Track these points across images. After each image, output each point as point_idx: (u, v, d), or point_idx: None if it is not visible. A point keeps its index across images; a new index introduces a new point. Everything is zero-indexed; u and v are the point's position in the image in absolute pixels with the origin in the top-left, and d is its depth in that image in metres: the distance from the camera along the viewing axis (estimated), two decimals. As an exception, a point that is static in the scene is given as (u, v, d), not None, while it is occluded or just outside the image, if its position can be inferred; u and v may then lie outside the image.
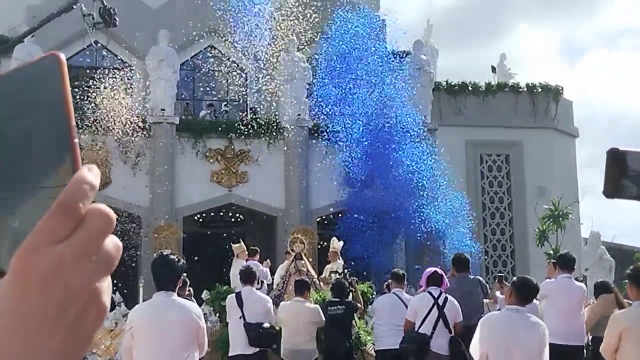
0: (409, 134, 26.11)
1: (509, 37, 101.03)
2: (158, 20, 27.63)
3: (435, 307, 10.69)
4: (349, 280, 14.93)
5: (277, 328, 11.92)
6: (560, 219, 26.51)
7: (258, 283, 13.26)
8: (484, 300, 12.71)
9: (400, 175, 25.63)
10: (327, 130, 25.92)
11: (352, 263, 21.39)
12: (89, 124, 23.17)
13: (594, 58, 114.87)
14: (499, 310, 11.29)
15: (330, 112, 26.05)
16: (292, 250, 17.37)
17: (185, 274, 7.67)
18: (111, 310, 17.98)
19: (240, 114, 28.71)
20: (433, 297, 10.79)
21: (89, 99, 23.71)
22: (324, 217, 26.34)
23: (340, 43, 26.61)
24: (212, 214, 26.78)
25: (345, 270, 17.53)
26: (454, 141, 28.10)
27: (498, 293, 14.61)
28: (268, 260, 20.10)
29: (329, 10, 26.99)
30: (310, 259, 20.10)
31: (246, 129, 26.24)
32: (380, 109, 26.35)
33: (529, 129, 30.46)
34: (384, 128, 26.11)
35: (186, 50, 29.14)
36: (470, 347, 7.56)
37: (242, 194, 26.39)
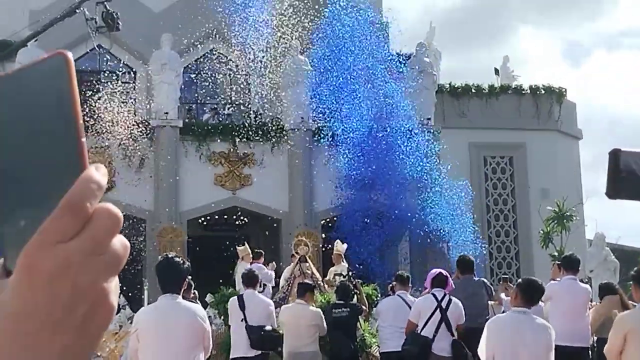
0: (412, 136, 26.11)
1: (511, 39, 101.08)
2: (161, 24, 27.65)
3: (438, 309, 10.69)
4: (354, 283, 14.93)
5: (279, 331, 11.91)
6: (565, 220, 26.48)
7: (260, 286, 13.27)
8: (489, 302, 12.70)
9: (404, 178, 25.63)
10: (330, 133, 25.91)
11: (357, 265, 21.39)
12: (93, 128, 23.19)
13: (596, 59, 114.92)
14: (503, 312, 11.29)
15: (333, 115, 26.04)
16: (297, 253, 17.37)
17: (190, 277, 7.67)
18: (116, 313, 18.02)
19: (244, 117, 28.72)
20: (436, 299, 10.78)
21: (92, 103, 23.73)
22: (328, 220, 26.33)
23: (341, 45, 26.62)
24: (216, 216, 26.79)
25: (350, 273, 17.53)
26: (457, 143, 28.08)
27: (503, 295, 14.60)
28: (273, 262, 20.09)
29: (330, 12, 26.96)
30: (315, 262, 20.09)
31: (250, 132, 26.27)
32: (383, 111, 26.35)
33: (532, 131, 30.43)
34: (387, 130, 26.12)
35: (189, 53, 29.17)
36: (477, 350, 7.55)
37: (246, 196, 26.41)
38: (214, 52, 29.68)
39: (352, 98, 26.20)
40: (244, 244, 19.29)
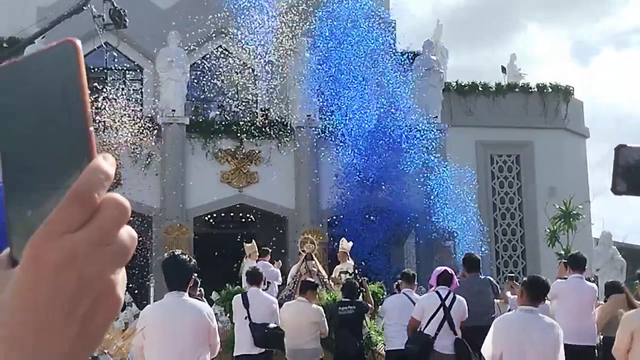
0: (420, 135, 26.10)
1: (519, 37, 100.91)
2: (168, 21, 27.66)
3: (442, 308, 10.69)
4: (360, 281, 14.92)
5: (283, 329, 11.93)
6: (571, 219, 26.44)
7: (264, 284, 13.28)
8: (495, 301, 12.69)
9: (410, 176, 25.63)
10: (337, 131, 25.92)
11: (362, 263, 21.38)
12: (99, 125, 23.21)
13: (604, 58, 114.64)
14: (509, 310, 11.27)
15: (339, 113, 26.05)
16: (303, 250, 17.38)
17: (196, 274, 7.67)
18: (122, 310, 18.05)
19: (251, 114, 28.73)
20: (440, 297, 10.78)
21: (100, 99, 23.75)
22: (334, 218, 26.33)
23: (348, 43, 26.62)
24: (223, 214, 26.81)
25: (356, 271, 17.52)
26: (464, 141, 28.08)
27: (509, 293, 14.57)
28: (279, 261, 20.09)
29: (336, 10, 26.95)
30: (321, 260, 20.08)
31: (256, 130, 26.29)
32: (389, 109, 26.35)
33: (539, 129, 30.39)
34: (394, 128, 26.11)
35: (196, 51, 29.17)
36: (482, 348, 7.54)
37: (252, 194, 26.43)
38: (221, 50, 29.68)
39: (358, 96, 26.19)
40: (251, 241, 19.29)
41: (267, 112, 28.02)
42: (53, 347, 0.76)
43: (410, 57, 28.24)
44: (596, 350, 11.75)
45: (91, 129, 0.79)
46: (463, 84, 30.88)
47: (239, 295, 12.11)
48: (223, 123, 27.13)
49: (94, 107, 23.01)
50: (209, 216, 26.42)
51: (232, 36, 27.78)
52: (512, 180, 30.65)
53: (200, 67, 29.60)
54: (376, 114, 26.24)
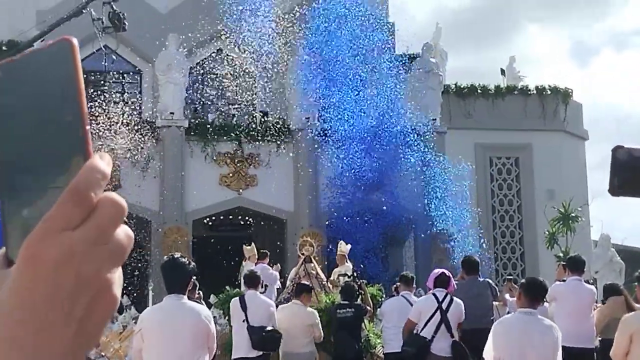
0: (419, 137, 26.11)
1: (518, 39, 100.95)
2: (167, 24, 27.68)
3: (439, 310, 10.69)
4: (359, 283, 14.92)
5: (280, 332, 11.92)
6: (570, 221, 26.45)
7: (262, 287, 13.28)
8: (494, 303, 12.69)
9: (410, 178, 25.63)
10: (336, 133, 25.92)
11: (361, 266, 21.37)
12: (99, 128, 23.22)
13: (604, 59, 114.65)
14: (508, 312, 11.27)
15: (337, 115, 26.06)
16: (302, 253, 17.37)
17: (194, 277, 7.67)
18: (120, 313, 18.01)
19: (249, 117, 28.73)
20: (437, 299, 10.78)
21: (99, 102, 23.76)
22: (333, 220, 26.34)
23: (346, 46, 26.63)
24: (222, 217, 26.82)
25: (355, 273, 17.52)
26: (463, 144, 28.09)
27: (507, 295, 14.58)
28: (278, 264, 20.09)
29: (336, 13, 26.98)
30: (320, 262, 20.07)
31: (255, 133, 26.29)
32: (388, 112, 26.36)
33: (538, 131, 30.40)
34: (393, 131, 26.12)
35: (195, 54, 29.19)
36: (483, 352, 7.54)
37: (251, 197, 26.44)
38: (220, 53, 29.70)
39: (357, 98, 26.20)
40: (250, 244, 19.28)
41: (265, 114, 28.04)
42: (53, 347, 0.76)
43: (409, 59, 28.25)
44: (595, 353, 11.75)
45: (87, 127, 0.79)
46: (462, 87, 30.90)
47: (237, 298, 12.10)
48: (222, 126, 27.12)
49: (92, 110, 23.01)
50: (208, 219, 26.43)
51: (230, 39, 27.79)
52: (511, 182, 30.66)
53: (199, 70, 29.61)
54: (375, 117, 26.24)
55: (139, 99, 29.59)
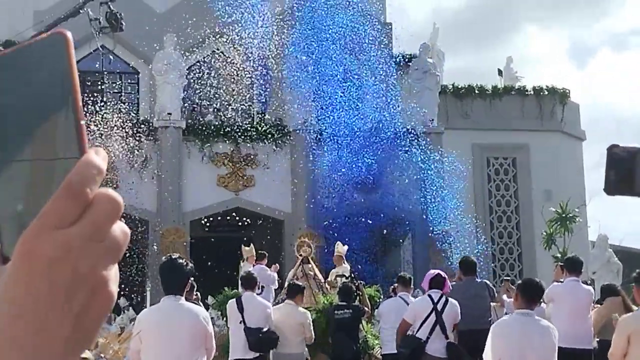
0: (416, 137, 26.13)
1: (517, 39, 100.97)
2: (164, 24, 27.67)
3: (434, 311, 10.70)
4: (356, 284, 14.91)
5: (277, 333, 11.92)
6: (568, 222, 26.47)
7: (259, 288, 13.29)
8: (491, 304, 12.69)
9: (407, 179, 25.64)
10: (333, 134, 25.93)
11: (359, 267, 21.37)
12: (96, 128, 23.21)
13: (602, 59, 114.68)
14: (506, 313, 11.28)
15: (334, 116, 26.07)
16: (300, 254, 17.36)
17: (192, 278, 7.66)
18: (118, 314, 18.01)
19: (247, 118, 28.73)
20: (432, 300, 10.79)
21: (96, 103, 23.74)
22: (331, 221, 26.34)
23: (343, 46, 26.65)
24: (219, 218, 26.80)
25: (352, 274, 17.52)
26: (460, 144, 28.09)
27: (505, 296, 14.59)
28: (276, 264, 20.08)
29: (334, 14, 26.99)
30: (317, 263, 20.07)
31: (253, 133, 26.29)
32: (386, 112, 26.38)
33: (535, 132, 30.43)
34: (390, 131, 26.14)
35: (192, 54, 29.18)
36: (483, 355, 7.53)
37: (249, 197, 26.43)
38: (217, 53, 29.69)
39: (354, 99, 26.21)
40: (249, 245, 19.28)
41: (263, 115, 28.02)
42: (52, 346, 0.76)
43: (406, 60, 28.25)
44: (592, 354, 11.74)
45: (82, 122, 0.78)
46: (459, 87, 30.93)
47: (234, 299, 12.12)
48: (219, 126, 27.11)
49: (90, 111, 22.99)
50: (206, 220, 26.42)
51: (228, 39, 27.79)
52: (509, 183, 30.68)
53: (197, 70, 29.60)
54: (372, 117, 26.26)
55: (136, 99, 29.60)
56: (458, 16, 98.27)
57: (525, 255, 29.97)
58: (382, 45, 27.50)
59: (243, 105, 29.34)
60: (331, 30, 26.90)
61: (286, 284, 16.95)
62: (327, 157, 26.12)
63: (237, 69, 28.43)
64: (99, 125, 23.46)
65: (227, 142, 26.47)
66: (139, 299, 21.40)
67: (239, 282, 17.97)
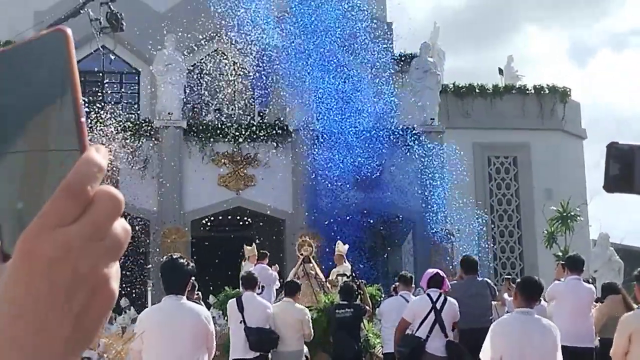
0: (417, 137, 26.14)
1: (517, 39, 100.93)
2: (165, 24, 27.67)
3: (433, 310, 10.71)
4: (357, 283, 14.92)
5: (277, 333, 11.92)
6: (569, 220, 26.45)
7: (259, 288, 13.29)
8: (492, 303, 12.69)
9: (408, 178, 25.64)
10: (334, 133, 25.93)
11: (361, 266, 21.38)
12: (97, 128, 23.22)
13: (602, 59, 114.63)
14: (507, 312, 11.27)
15: (337, 115, 26.07)
16: (301, 253, 17.37)
17: (193, 278, 7.66)
18: (119, 314, 18.01)
19: (248, 117, 28.74)
20: (431, 299, 10.80)
21: (97, 103, 23.74)
22: (331, 220, 26.35)
23: (346, 46, 26.66)
24: (220, 217, 26.81)
25: (353, 273, 17.53)
26: (461, 143, 28.07)
27: (506, 295, 14.59)
28: (276, 265, 20.09)
29: (335, 14, 26.99)
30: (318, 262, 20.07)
31: (254, 133, 26.29)
32: (387, 112, 26.38)
33: (536, 130, 30.42)
34: (391, 131, 26.15)
35: (193, 54, 29.19)
36: (480, 353, 7.53)
37: (249, 197, 26.43)
38: (218, 53, 29.70)
39: (355, 98, 26.21)
40: (251, 244, 19.29)
41: (264, 114, 28.01)
42: (52, 346, 0.75)
43: (407, 59, 28.25)
44: (594, 353, 11.74)
45: (83, 119, 0.78)
46: (460, 86, 30.93)
47: (234, 299, 12.12)
48: (220, 126, 27.11)
49: (90, 110, 23.00)
50: (207, 219, 26.42)
51: (228, 39, 27.79)
52: (510, 182, 30.67)
53: (197, 70, 29.61)
54: (373, 117, 26.25)
55: (137, 99, 29.60)
56: (458, 15, 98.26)
57: (527, 254, 29.97)
58: (382, 45, 27.50)
59: (244, 104, 29.36)
60: (332, 29, 26.90)
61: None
62: (327, 156, 26.11)
63: (237, 69, 28.44)
64: (100, 125, 23.45)
65: (228, 141, 26.46)
66: (140, 299, 21.38)
67: (240, 281, 18.04)
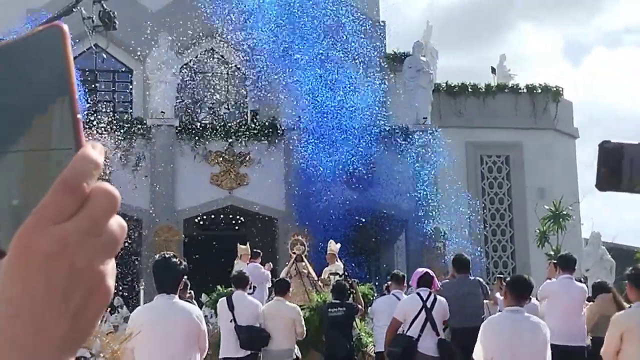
0: (409, 135, 26.16)
1: (512, 38, 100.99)
2: (158, 23, 27.64)
3: (424, 309, 10.73)
4: (350, 282, 14.93)
5: (268, 331, 11.92)
6: (561, 219, 26.49)
7: (250, 288, 13.30)
8: (485, 302, 12.71)
9: (401, 177, 25.66)
10: (327, 132, 25.93)
11: (353, 265, 21.38)
12: (89, 127, 23.18)
13: (597, 57, 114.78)
14: (499, 311, 11.30)
15: (329, 114, 26.07)
16: (293, 252, 17.37)
17: (186, 277, 7.66)
18: (112, 313, 17.97)
19: (240, 116, 28.72)
20: (422, 298, 10.82)
21: (89, 101, 23.70)
22: (324, 219, 26.34)
23: (338, 45, 26.67)
24: (213, 216, 26.78)
25: (346, 272, 17.54)
26: (454, 142, 28.09)
27: (498, 294, 14.61)
28: (270, 263, 20.10)
29: (326, 12, 27.00)
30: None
31: (246, 132, 26.27)
32: (380, 111, 26.40)
33: (529, 130, 30.47)
34: (384, 130, 26.17)
35: (186, 53, 29.16)
36: (473, 353, 7.54)
37: (242, 196, 26.41)
38: (211, 52, 29.67)
39: (348, 97, 26.22)
40: (245, 244, 19.29)
41: (256, 113, 27.99)
42: (51, 345, 0.75)
43: (400, 58, 28.27)
44: (586, 352, 11.77)
45: (79, 116, 0.78)
46: (453, 85, 30.95)
47: (224, 298, 12.13)
48: (213, 125, 27.09)
49: (83, 109, 22.96)
50: (199, 218, 26.40)
51: (221, 38, 27.76)
52: (502, 180, 30.71)
53: (190, 69, 29.58)
54: (366, 116, 26.26)
55: (130, 98, 29.56)
56: (451, 14, 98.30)
57: (519, 253, 30.01)
58: (375, 44, 27.52)
59: (236, 103, 29.34)
60: (325, 29, 26.90)
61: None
62: (320, 155, 26.10)
63: (230, 68, 28.42)
64: (92, 124, 23.42)
65: (221, 140, 26.45)
66: (132, 298, 21.35)
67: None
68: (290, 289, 12.81)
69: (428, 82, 28.19)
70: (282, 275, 17.09)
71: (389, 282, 15.16)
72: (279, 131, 26.52)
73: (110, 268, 0.79)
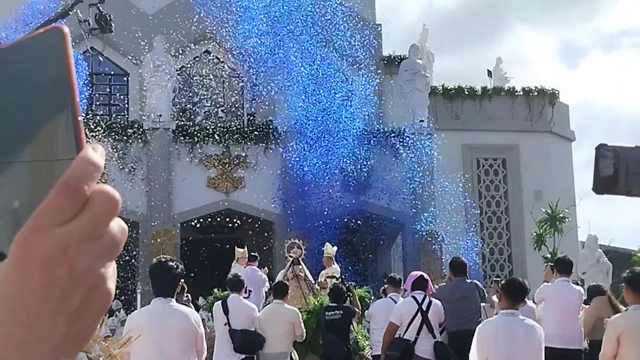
0: (406, 138, 26.18)
1: (508, 40, 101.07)
2: (154, 26, 27.64)
3: (420, 312, 10.74)
4: (347, 285, 14.92)
5: (263, 335, 11.90)
6: (557, 222, 26.51)
7: (245, 292, 13.29)
8: (481, 305, 12.71)
9: (397, 180, 25.67)
10: (323, 135, 25.94)
11: (350, 268, 21.39)
12: (85, 130, 23.15)
13: (594, 59, 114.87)
14: (496, 314, 11.30)
15: (326, 117, 26.08)
16: (290, 255, 17.35)
17: (183, 280, 7.66)
18: (109, 316, 17.96)
19: (237, 119, 28.72)
20: (417, 301, 10.83)
21: (85, 105, 23.68)
22: (320, 222, 26.35)
23: (334, 47, 26.69)
24: (209, 219, 26.77)
25: (342, 275, 17.53)
26: (450, 145, 28.12)
27: (495, 297, 14.60)
28: (265, 268, 20.08)
29: (323, 15, 27.03)
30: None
31: (243, 135, 26.27)
32: (376, 114, 26.42)
33: (525, 132, 30.50)
34: (381, 132, 26.19)
35: (182, 56, 29.16)
36: (469, 356, 7.54)
37: (239, 199, 26.40)
38: (207, 55, 29.68)
39: (344, 100, 26.24)
40: (243, 247, 19.28)
41: (253, 116, 27.99)
42: (49, 346, 0.75)
43: (396, 61, 28.28)
44: (582, 354, 11.77)
45: (80, 118, 0.77)
46: (449, 88, 30.98)
47: (219, 302, 12.11)
48: (209, 128, 27.10)
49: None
50: (196, 221, 26.39)
51: (218, 41, 27.76)
52: (498, 183, 30.73)
53: (186, 72, 29.58)
54: (363, 119, 26.28)
55: (126, 101, 29.54)
56: (448, 17, 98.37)
57: (515, 256, 30.03)
58: (371, 46, 27.55)
59: (233, 106, 29.34)
60: (321, 31, 26.93)
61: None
62: (317, 158, 26.12)
63: (226, 71, 28.42)
64: (89, 127, 23.40)
65: (217, 143, 26.45)
66: (129, 301, 21.34)
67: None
68: (286, 294, 12.79)
69: (424, 84, 28.21)
70: (279, 278, 17.07)
71: (386, 285, 15.15)
72: (275, 134, 26.52)
73: (110, 271, 0.78)
